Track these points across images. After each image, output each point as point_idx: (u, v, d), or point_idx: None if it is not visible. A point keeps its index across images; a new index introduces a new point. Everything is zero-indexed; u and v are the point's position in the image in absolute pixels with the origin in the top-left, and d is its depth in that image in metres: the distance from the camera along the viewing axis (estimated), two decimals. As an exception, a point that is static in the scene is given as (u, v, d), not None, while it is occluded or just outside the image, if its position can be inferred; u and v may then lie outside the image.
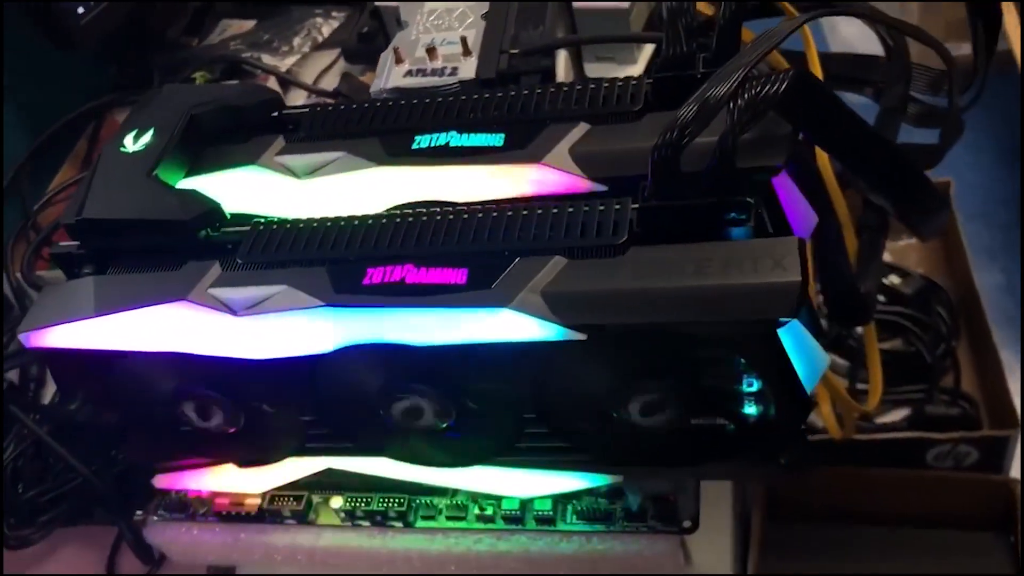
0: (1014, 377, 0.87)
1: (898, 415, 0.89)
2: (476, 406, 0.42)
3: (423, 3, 0.54)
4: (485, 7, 0.52)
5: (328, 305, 0.39)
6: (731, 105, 0.36)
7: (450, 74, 0.50)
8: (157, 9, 0.93)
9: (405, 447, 0.44)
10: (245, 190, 0.46)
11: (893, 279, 0.96)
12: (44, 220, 0.74)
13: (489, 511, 0.47)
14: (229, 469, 0.48)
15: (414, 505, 0.48)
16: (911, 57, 0.56)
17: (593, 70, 0.59)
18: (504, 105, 0.45)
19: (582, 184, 0.41)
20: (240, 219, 0.44)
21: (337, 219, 0.42)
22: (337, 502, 0.49)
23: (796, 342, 0.37)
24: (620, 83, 0.44)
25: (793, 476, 0.43)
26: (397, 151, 0.44)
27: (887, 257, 1.03)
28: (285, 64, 0.90)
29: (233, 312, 0.40)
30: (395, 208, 0.44)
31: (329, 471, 0.47)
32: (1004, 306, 1.14)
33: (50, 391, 0.66)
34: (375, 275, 0.39)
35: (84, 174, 0.53)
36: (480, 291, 0.37)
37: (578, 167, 0.41)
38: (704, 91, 0.36)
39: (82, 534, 0.59)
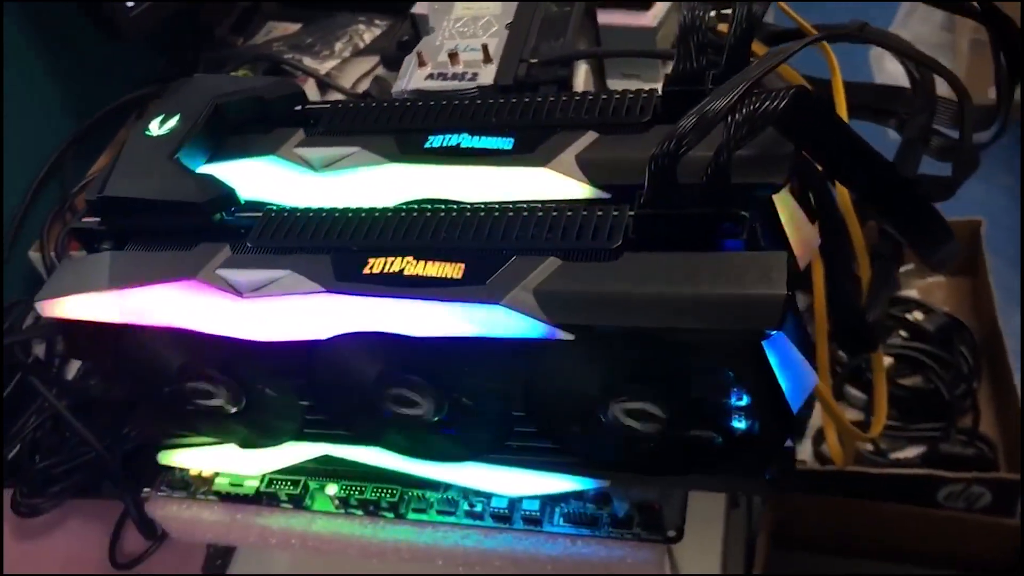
0: (1034, 420, 0.86)
1: (913, 452, 0.89)
2: (468, 401, 0.42)
3: (450, 11, 0.56)
4: (510, 17, 0.54)
5: (328, 291, 0.40)
6: (729, 119, 0.36)
7: (469, 79, 0.51)
8: (207, 7, 0.96)
9: (399, 438, 0.45)
10: (263, 179, 0.47)
11: (916, 315, 0.95)
12: (80, 203, 0.76)
13: (478, 508, 0.48)
14: (231, 450, 0.50)
15: (406, 497, 0.49)
16: (937, 90, 0.57)
17: (617, 86, 0.60)
18: (516, 111, 0.46)
19: (586, 190, 0.42)
20: (256, 206, 0.46)
21: (345, 210, 0.43)
22: (332, 489, 0.50)
23: (781, 356, 0.37)
24: (631, 95, 0.45)
25: (777, 492, 0.43)
26: (410, 149, 0.45)
27: (912, 293, 1.02)
28: (325, 67, 0.92)
29: (239, 293, 0.41)
30: (404, 204, 0.45)
31: (327, 458, 0.49)
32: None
33: (74, 367, 0.68)
34: (375, 265, 0.40)
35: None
36: (474, 286, 0.38)
37: (583, 173, 0.42)
38: (704, 104, 0.37)
39: (90, 508, 0.61)
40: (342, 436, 0.47)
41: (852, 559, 0.85)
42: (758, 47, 0.57)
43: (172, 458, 0.52)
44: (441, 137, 0.45)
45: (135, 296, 0.43)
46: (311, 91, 0.86)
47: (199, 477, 0.52)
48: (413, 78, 0.52)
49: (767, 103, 0.37)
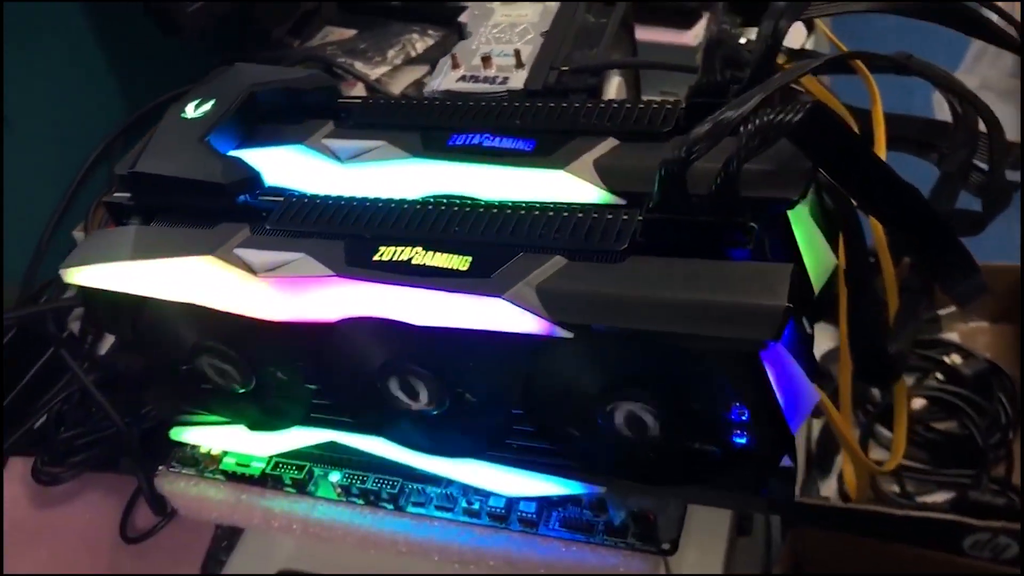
0: (1069, 475, 0.84)
1: (941, 497, 0.86)
2: (468, 395, 0.43)
3: (490, 16, 0.56)
4: (547, 26, 0.54)
5: (337, 276, 0.41)
6: (742, 129, 0.37)
7: (500, 83, 0.51)
8: (265, 9, 0.99)
9: (400, 429, 0.46)
10: (291, 166, 0.48)
11: (955, 358, 0.93)
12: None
13: (476, 506, 0.48)
14: (240, 430, 0.51)
15: (407, 490, 0.49)
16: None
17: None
18: (540, 114, 0.46)
19: (601, 195, 0.42)
20: (280, 191, 0.47)
21: (363, 199, 0.44)
22: (335, 476, 0.50)
23: (780, 370, 0.37)
24: (655, 105, 0.45)
25: (774, 512, 0.42)
26: (433, 146, 0.46)
27: (953, 336, 1.00)
28: (375, 73, 0.93)
29: (253, 272, 0.42)
30: (423, 198, 0.46)
31: (333, 445, 0.49)
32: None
33: (107, 343, 0.70)
34: (385, 253, 0.41)
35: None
36: (479, 279, 0.39)
37: (599, 178, 0.43)
38: (719, 113, 0.37)
39: (108, 481, 0.63)
40: (347, 424, 0.48)
41: (869, 601, 0.83)
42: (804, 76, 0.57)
43: (184, 435, 0.53)
44: (464, 136, 0.46)
45: (154, 268, 0.44)
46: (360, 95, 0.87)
47: (208, 455, 0.53)
48: (445, 79, 0.53)
49: (782, 115, 0.37)
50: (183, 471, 0.54)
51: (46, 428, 0.66)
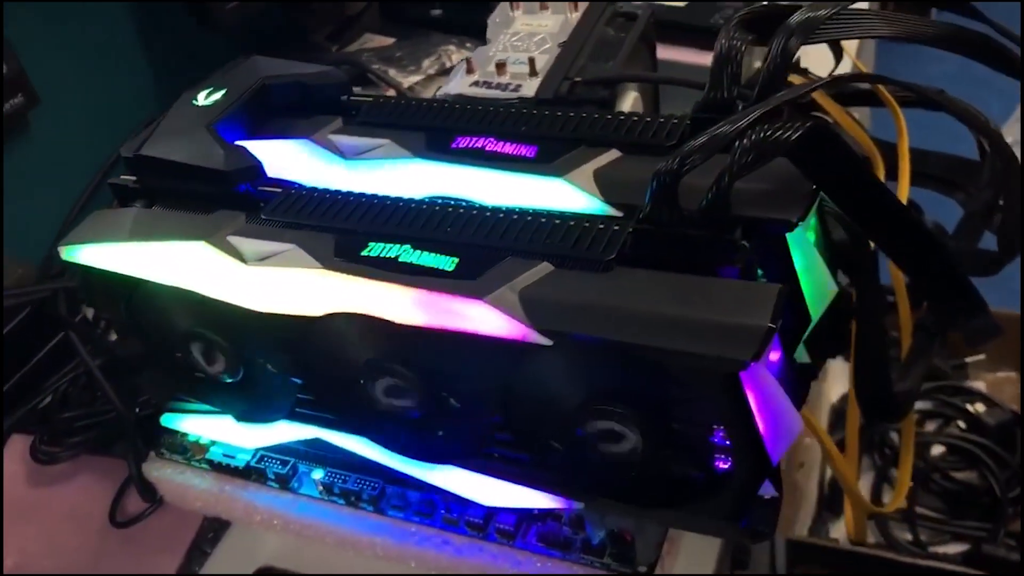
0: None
1: (954, 548, 0.84)
2: (449, 398, 0.42)
3: (510, 25, 0.56)
4: (566, 37, 0.54)
5: (324, 268, 0.40)
6: (737, 143, 0.36)
7: (512, 90, 0.51)
8: (306, 11, 1.00)
9: (382, 430, 0.45)
10: (296, 160, 0.48)
11: (978, 407, 0.91)
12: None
13: (455, 515, 0.47)
14: (228, 421, 0.50)
15: (387, 493, 0.49)
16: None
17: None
18: (546, 122, 0.46)
19: (598, 205, 0.42)
20: (281, 183, 0.47)
21: (360, 195, 0.44)
22: (319, 474, 0.50)
23: (761, 393, 0.36)
24: (661, 119, 0.45)
25: (755, 541, 0.41)
26: (436, 147, 0.46)
27: (979, 385, 0.97)
28: (408, 81, 0.94)
29: (244, 261, 0.42)
30: (424, 198, 0.45)
31: (318, 442, 0.49)
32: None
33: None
34: (374, 249, 0.40)
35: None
36: (463, 280, 0.38)
37: (598, 188, 0.42)
38: (717, 127, 0.37)
39: (103, 464, 0.63)
40: (331, 421, 0.47)
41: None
42: (829, 103, 0.56)
43: (174, 422, 0.53)
44: (468, 139, 0.46)
45: (149, 250, 0.44)
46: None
47: (197, 444, 0.53)
48: (459, 83, 0.53)
49: (780, 132, 0.36)
50: (171, 457, 0.54)
51: (50, 409, 0.66)
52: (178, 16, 0.84)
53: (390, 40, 1.03)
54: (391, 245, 0.40)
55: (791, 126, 0.36)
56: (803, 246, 0.42)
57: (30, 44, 0.73)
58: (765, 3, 0.45)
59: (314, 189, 0.45)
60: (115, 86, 0.83)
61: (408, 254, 0.40)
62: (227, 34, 0.89)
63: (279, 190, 0.45)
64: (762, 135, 0.36)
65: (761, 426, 0.36)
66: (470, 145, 0.45)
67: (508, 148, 0.45)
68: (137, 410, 0.60)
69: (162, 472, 0.54)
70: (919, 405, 0.95)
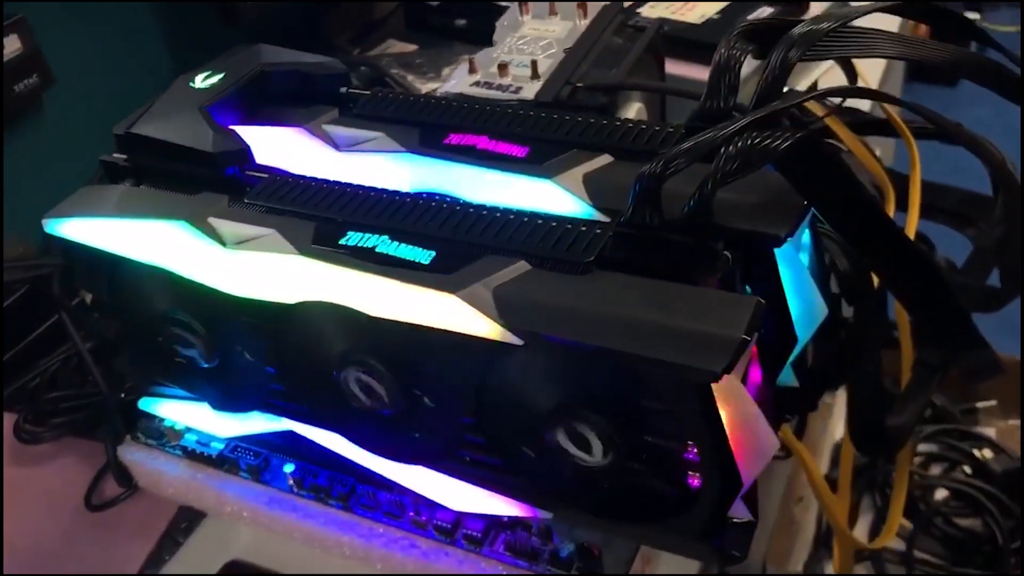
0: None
1: (952, 596, 0.82)
2: (420, 395, 0.41)
3: (518, 28, 0.56)
4: (572, 43, 0.53)
5: (300, 254, 0.40)
6: (722, 150, 0.35)
7: (512, 92, 0.50)
8: (331, 13, 1.00)
9: (354, 426, 0.45)
10: (288, 148, 0.48)
11: (986, 453, 0.89)
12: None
13: (424, 518, 0.46)
14: (205, 408, 0.50)
15: (357, 492, 0.48)
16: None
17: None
18: (540, 124, 0.45)
19: (585, 209, 0.41)
20: (270, 170, 0.46)
21: (345, 184, 0.43)
22: (290, 468, 0.49)
23: (733, 408, 0.35)
24: (656, 127, 0.44)
25: (725, 563, 0.40)
26: (429, 143, 0.45)
27: (989, 432, 0.95)
28: (426, 88, 0.94)
29: (223, 243, 0.42)
30: (412, 192, 0.45)
31: (292, 435, 0.48)
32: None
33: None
34: (352, 238, 0.40)
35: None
36: (438, 275, 0.37)
37: (586, 192, 0.41)
38: (705, 132, 0.36)
39: (85, 448, 0.62)
40: (304, 414, 0.46)
41: None
42: (842, 131, 0.55)
43: (152, 406, 0.52)
44: (461, 136, 0.45)
45: (131, 227, 0.44)
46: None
47: (172, 430, 0.52)
48: (460, 83, 0.52)
49: (768, 140, 0.35)
50: (146, 442, 0.53)
51: (38, 389, 0.66)
52: (199, 6, 0.84)
53: (412, 47, 1.03)
54: (369, 235, 0.40)
55: (781, 135, 0.35)
56: (793, 265, 0.41)
57: (48, 25, 0.74)
58: (769, 16, 0.44)
59: (300, 177, 0.45)
60: (131, 71, 0.83)
61: (385, 245, 0.39)
62: (246, 28, 0.89)
63: (265, 175, 0.45)
64: (749, 142, 0.35)
65: (732, 442, 0.35)
66: (462, 142, 0.45)
67: (500, 147, 0.44)
68: (123, 395, 0.60)
69: (136, 456, 0.53)
70: (924, 447, 0.93)
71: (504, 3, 0.73)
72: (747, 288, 0.39)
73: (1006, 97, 0.43)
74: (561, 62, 0.52)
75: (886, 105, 0.59)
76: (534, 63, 0.51)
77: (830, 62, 0.72)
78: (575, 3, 0.56)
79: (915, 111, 0.56)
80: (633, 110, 0.53)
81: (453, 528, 0.45)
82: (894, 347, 0.54)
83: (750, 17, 0.70)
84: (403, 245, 0.39)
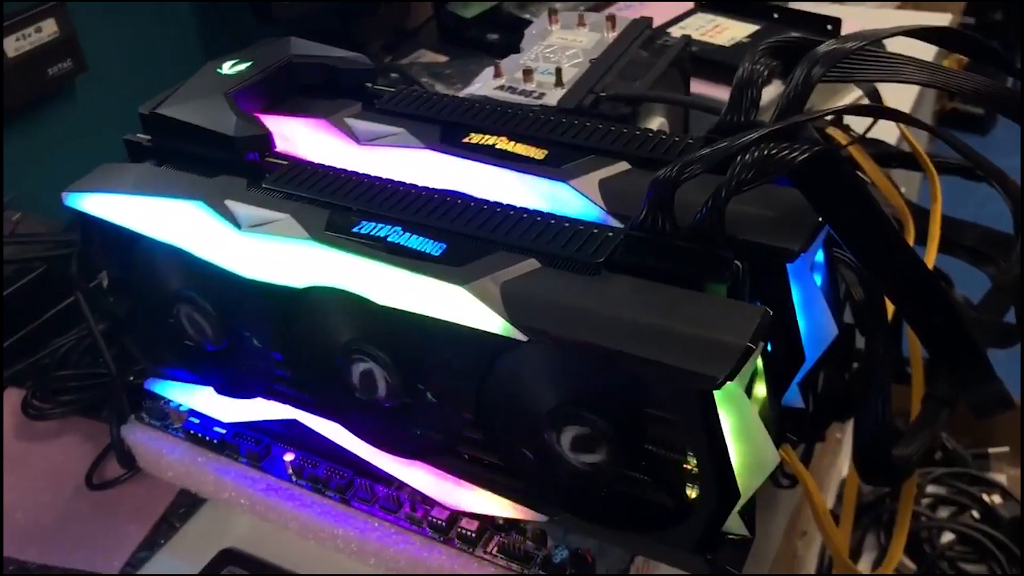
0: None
1: (952, 641, 0.81)
2: (422, 388, 0.41)
3: (546, 37, 0.56)
4: (598, 53, 0.54)
5: (312, 240, 0.40)
6: (738, 158, 0.35)
7: (536, 97, 0.51)
8: (366, 20, 1.01)
9: (356, 417, 0.45)
10: (310, 138, 0.48)
11: (994, 498, 0.88)
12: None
13: (419, 514, 0.46)
14: (209, 392, 0.50)
15: (355, 484, 0.48)
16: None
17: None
18: (559, 129, 0.45)
19: (599, 214, 0.41)
20: (291, 158, 0.47)
21: (363, 175, 0.44)
22: (290, 456, 0.49)
23: (735, 418, 0.34)
24: (676, 137, 0.44)
25: (717, 578, 0.39)
26: (449, 141, 0.45)
27: (1000, 478, 0.94)
28: (454, 96, 0.94)
29: (237, 226, 0.42)
30: (427, 190, 0.45)
31: (294, 424, 0.48)
32: None
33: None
34: (365, 227, 0.40)
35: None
36: (448, 267, 0.37)
37: (601, 197, 0.41)
38: (721, 142, 0.36)
39: (90, 427, 0.62)
40: (307, 402, 0.47)
41: None
42: (866, 162, 0.54)
43: (157, 386, 0.53)
44: (481, 136, 0.45)
45: (148, 205, 0.44)
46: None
47: (176, 411, 0.52)
48: (485, 86, 0.53)
49: (784, 152, 0.35)
50: (150, 422, 0.53)
51: (49, 367, 0.66)
52: (237, 5, 0.86)
53: (443, 58, 1.04)
54: (382, 225, 0.40)
55: (798, 148, 0.35)
56: (805, 283, 0.41)
57: (85, 12, 0.75)
58: (795, 34, 0.44)
59: (320, 165, 0.45)
60: (164, 64, 0.84)
61: (397, 235, 0.39)
62: (281, 25, 0.90)
63: (285, 162, 0.45)
64: (766, 152, 0.35)
65: (731, 450, 0.35)
66: (482, 142, 0.45)
67: (518, 149, 0.44)
68: (131, 377, 0.60)
69: (138, 436, 0.53)
70: (933, 489, 0.92)
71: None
72: (756, 302, 0.39)
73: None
74: (586, 71, 0.52)
75: (911, 137, 0.59)
76: (559, 70, 0.51)
77: (858, 92, 0.72)
78: (604, 16, 0.56)
79: (942, 138, 0.56)
80: (655, 123, 0.53)
81: (448, 526, 0.45)
82: (905, 383, 0.54)
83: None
84: (414, 236, 0.39)
